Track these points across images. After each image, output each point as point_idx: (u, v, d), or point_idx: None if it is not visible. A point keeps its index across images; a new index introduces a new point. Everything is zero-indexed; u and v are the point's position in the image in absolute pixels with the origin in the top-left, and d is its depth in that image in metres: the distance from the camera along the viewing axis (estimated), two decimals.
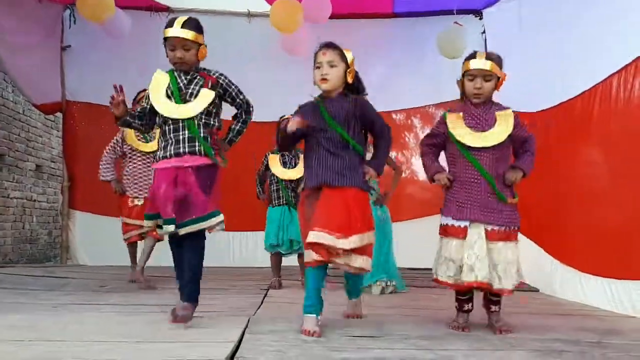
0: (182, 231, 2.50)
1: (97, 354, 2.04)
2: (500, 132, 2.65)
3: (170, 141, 2.57)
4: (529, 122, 4.41)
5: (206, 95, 2.59)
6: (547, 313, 3.37)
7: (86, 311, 2.95)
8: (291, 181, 4.13)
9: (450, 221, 2.66)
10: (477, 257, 2.55)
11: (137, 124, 2.70)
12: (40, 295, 3.50)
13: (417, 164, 5.99)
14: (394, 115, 5.89)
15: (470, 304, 2.74)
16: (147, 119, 2.70)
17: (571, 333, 2.64)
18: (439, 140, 2.78)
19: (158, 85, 2.62)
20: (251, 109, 2.78)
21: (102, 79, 4.31)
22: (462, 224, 2.61)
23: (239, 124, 2.77)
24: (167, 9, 5.57)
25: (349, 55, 2.66)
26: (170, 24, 2.59)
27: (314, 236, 2.41)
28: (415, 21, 5.64)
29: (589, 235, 3.65)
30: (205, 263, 4.40)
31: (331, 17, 4.97)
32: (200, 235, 2.56)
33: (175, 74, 2.63)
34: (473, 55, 2.70)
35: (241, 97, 2.74)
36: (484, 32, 5.44)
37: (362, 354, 2.11)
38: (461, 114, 2.71)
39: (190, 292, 2.56)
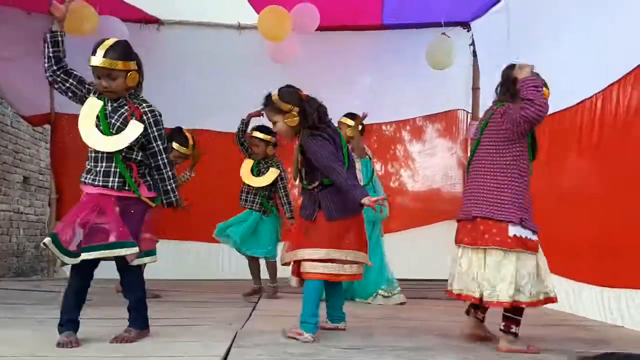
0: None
1: None
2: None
3: (88, 168, 2.46)
4: None
5: (134, 130, 2.41)
6: (535, 324, 3.37)
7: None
8: (262, 188, 4.16)
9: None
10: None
11: (62, 77, 2.42)
12: (26, 309, 3.45)
13: (406, 175, 6.02)
14: (383, 127, 5.92)
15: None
16: (75, 87, 2.45)
17: (561, 343, 2.65)
18: None
19: (91, 111, 2.43)
20: (166, 161, 2.51)
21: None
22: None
23: (161, 184, 2.52)
24: (157, 21, 5.58)
25: (279, 102, 2.70)
26: (93, 51, 2.38)
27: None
28: (405, 33, 5.69)
29: (578, 244, 3.67)
30: (194, 276, 4.36)
31: (320, 29, 4.99)
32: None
33: (106, 99, 2.45)
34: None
35: (157, 144, 2.47)
36: (472, 44, 5.50)
37: None
38: None
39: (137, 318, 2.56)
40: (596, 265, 3.48)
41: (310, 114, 2.68)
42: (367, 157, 4.22)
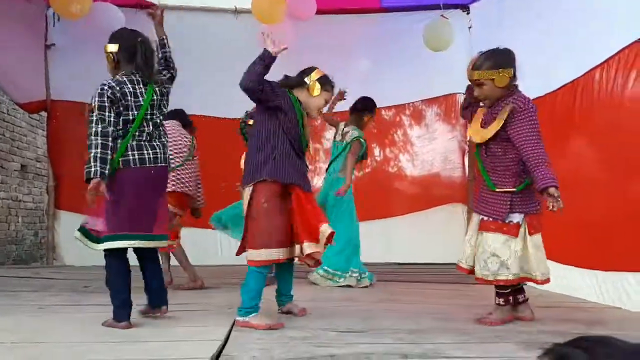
0: None
1: (81, 355, 2.02)
2: (489, 130, 2.65)
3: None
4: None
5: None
6: (534, 305, 3.38)
7: (70, 312, 2.92)
8: None
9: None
10: (468, 243, 2.76)
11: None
12: (26, 296, 3.45)
13: (405, 160, 6.00)
14: (382, 112, 5.87)
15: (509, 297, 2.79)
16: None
17: (557, 325, 2.67)
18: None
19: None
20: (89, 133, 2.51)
21: (87, 78, 4.23)
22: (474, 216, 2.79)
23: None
24: (153, 6, 5.51)
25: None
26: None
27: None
28: (403, 16, 5.62)
29: (575, 227, 3.67)
30: (192, 262, 4.36)
31: (318, 12, 4.93)
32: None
33: None
34: (469, 65, 2.71)
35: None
36: (471, 27, 5.45)
37: (348, 349, 2.10)
38: (485, 109, 2.75)
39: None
40: (591, 249, 3.49)
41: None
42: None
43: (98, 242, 2.53)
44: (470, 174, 5.62)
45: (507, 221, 2.61)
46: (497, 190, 2.64)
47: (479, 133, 2.69)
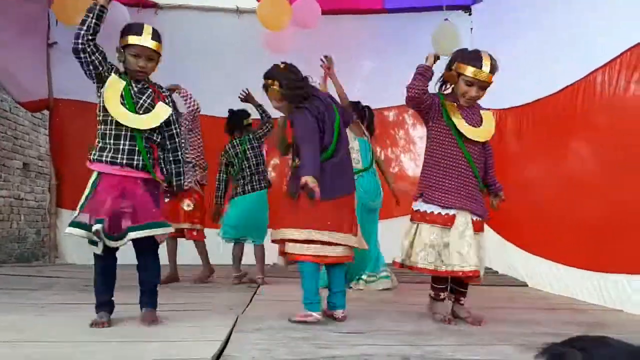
0: (133, 235, 2.45)
1: (84, 355, 2.02)
2: (489, 130, 2.74)
3: (108, 147, 2.49)
4: (512, 117, 4.48)
5: (164, 111, 2.55)
6: (535, 307, 3.39)
7: (73, 311, 2.92)
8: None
9: (434, 208, 2.67)
10: (470, 245, 2.59)
11: (92, 48, 2.44)
12: (28, 295, 3.46)
13: (406, 160, 6.00)
14: (385, 113, 5.88)
15: (445, 293, 2.78)
16: (98, 62, 2.47)
17: (558, 327, 2.67)
18: (427, 102, 2.69)
19: (116, 89, 2.50)
20: (181, 144, 2.63)
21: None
22: (450, 211, 2.64)
23: (174, 165, 2.61)
24: (155, 5, 5.53)
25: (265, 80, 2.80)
26: (136, 32, 2.49)
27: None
28: (406, 17, 5.63)
29: (576, 229, 3.67)
30: (192, 261, 4.37)
31: (321, 13, 4.95)
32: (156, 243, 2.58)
33: (129, 80, 2.53)
34: (479, 63, 2.61)
35: (176, 126, 2.61)
36: (472, 28, 5.45)
37: (350, 350, 2.10)
38: (455, 104, 2.72)
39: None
40: (595, 251, 3.49)
41: (287, 84, 2.67)
42: (365, 137, 4.08)
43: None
44: None
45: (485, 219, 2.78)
46: (483, 190, 2.77)
47: (477, 133, 2.71)
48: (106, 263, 2.54)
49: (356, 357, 2.01)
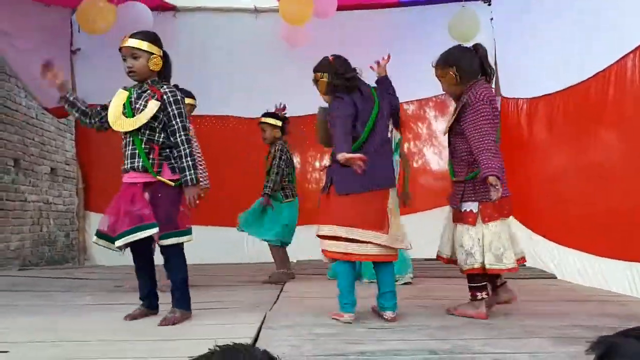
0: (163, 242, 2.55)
1: (115, 353, 2.06)
2: (449, 121, 2.79)
3: (123, 157, 2.61)
4: (542, 106, 4.36)
5: (150, 108, 2.53)
6: (565, 299, 3.33)
7: (104, 311, 2.98)
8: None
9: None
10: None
11: (95, 120, 2.65)
12: (59, 296, 3.54)
13: (429, 154, 5.95)
14: (405, 106, 5.82)
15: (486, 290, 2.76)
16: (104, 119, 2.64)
17: (589, 319, 2.61)
18: None
19: (118, 100, 2.60)
20: (184, 138, 2.56)
21: (112, 81, 4.30)
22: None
23: (179, 161, 2.57)
24: (173, 8, 5.58)
25: (315, 74, 2.79)
26: (123, 38, 2.60)
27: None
28: (422, 10, 5.57)
29: (607, 218, 3.59)
30: (220, 259, 4.39)
31: (337, 9, 4.94)
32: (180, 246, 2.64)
33: (132, 89, 2.62)
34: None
35: (176, 121, 2.56)
36: (492, 18, 5.35)
37: (379, 346, 2.10)
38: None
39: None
40: (625, 240, 3.40)
41: (334, 76, 2.67)
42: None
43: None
44: None
45: (462, 210, 2.66)
46: (454, 180, 2.74)
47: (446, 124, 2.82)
48: (137, 260, 2.69)
49: (385, 352, 2.00)
